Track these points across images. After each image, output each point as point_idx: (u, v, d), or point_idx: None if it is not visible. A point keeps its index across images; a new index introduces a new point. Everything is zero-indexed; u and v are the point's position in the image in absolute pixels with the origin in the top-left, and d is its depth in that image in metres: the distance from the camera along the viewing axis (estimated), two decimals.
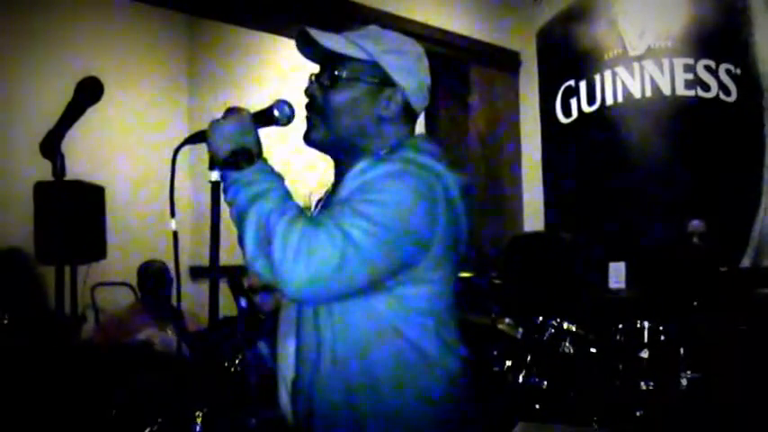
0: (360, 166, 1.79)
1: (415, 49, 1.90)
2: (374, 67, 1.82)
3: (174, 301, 5.12)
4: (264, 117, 1.83)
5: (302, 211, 1.68)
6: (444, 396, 1.77)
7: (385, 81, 1.83)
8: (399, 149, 1.81)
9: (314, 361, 1.76)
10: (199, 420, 3.40)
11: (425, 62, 1.91)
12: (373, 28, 1.91)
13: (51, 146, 1.93)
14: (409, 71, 1.85)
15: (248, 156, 1.73)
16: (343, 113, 1.83)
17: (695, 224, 4.63)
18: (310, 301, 1.71)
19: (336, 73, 1.83)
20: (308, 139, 1.88)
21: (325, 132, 1.86)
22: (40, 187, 3.32)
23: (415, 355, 1.75)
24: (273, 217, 1.63)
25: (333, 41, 1.83)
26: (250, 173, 1.71)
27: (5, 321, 3.63)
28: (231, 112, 1.81)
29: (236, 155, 1.73)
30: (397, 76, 1.83)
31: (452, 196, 1.76)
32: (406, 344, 1.74)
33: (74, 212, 3.36)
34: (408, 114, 1.88)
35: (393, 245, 1.65)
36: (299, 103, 1.90)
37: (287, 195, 1.70)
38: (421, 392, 1.75)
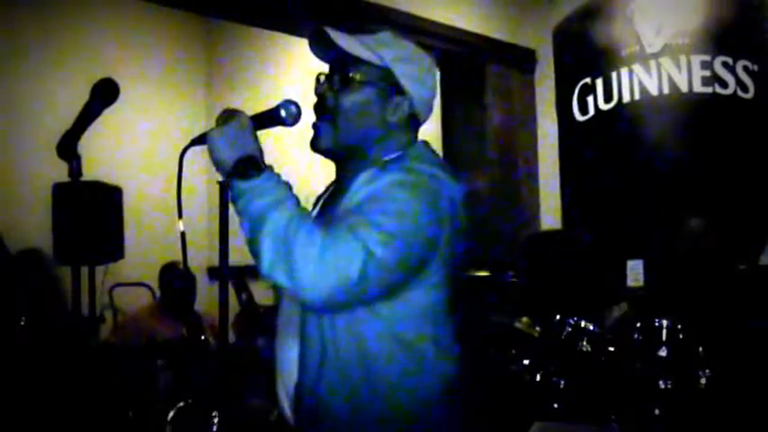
0: (368, 173, 1.81)
1: (425, 59, 1.94)
2: (386, 73, 1.85)
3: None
4: (271, 117, 1.83)
5: (316, 220, 1.71)
6: (441, 399, 1.80)
7: (395, 88, 1.86)
8: (404, 158, 1.85)
9: (318, 365, 1.77)
10: (215, 420, 3.42)
11: (435, 73, 1.96)
12: (387, 34, 1.92)
13: (68, 147, 1.94)
14: (419, 80, 1.88)
15: (254, 163, 1.72)
16: (352, 115, 1.85)
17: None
18: (329, 309, 1.72)
19: (350, 75, 1.84)
20: (315, 146, 1.89)
21: (332, 137, 1.87)
22: (58, 188, 3.34)
23: (413, 357, 1.77)
24: (291, 227, 1.63)
25: (350, 43, 1.84)
26: (260, 181, 1.70)
27: (22, 323, 3.65)
28: (227, 114, 1.80)
29: (242, 163, 1.71)
30: (406, 85, 1.86)
31: (456, 204, 1.80)
32: (405, 347, 1.77)
33: (92, 213, 3.37)
34: (413, 123, 1.92)
35: (408, 255, 1.70)
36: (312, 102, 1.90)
37: (299, 204, 1.71)
38: (419, 396, 1.77)
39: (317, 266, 1.59)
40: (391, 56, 1.85)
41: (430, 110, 1.94)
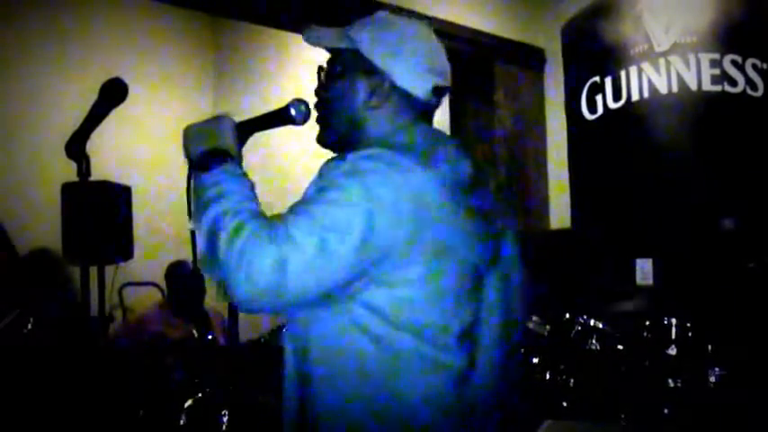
0: (330, 162, 1.67)
1: (410, 28, 1.82)
2: (359, 55, 1.76)
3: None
4: (281, 117, 1.83)
5: (258, 215, 1.58)
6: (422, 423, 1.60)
7: (371, 69, 1.76)
8: (375, 143, 1.69)
9: (285, 368, 1.70)
10: (225, 419, 3.42)
11: (424, 42, 1.82)
12: (378, 15, 1.85)
13: (77, 147, 1.95)
14: (399, 54, 1.75)
15: (219, 157, 1.67)
16: (333, 107, 1.80)
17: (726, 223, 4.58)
18: (261, 311, 1.57)
19: (327, 68, 1.82)
20: (318, 141, 1.84)
21: (326, 130, 1.81)
22: (67, 188, 3.35)
23: (370, 374, 1.60)
24: (223, 220, 1.54)
25: (315, 36, 1.81)
26: (215, 174, 1.64)
27: (29, 326, 3.65)
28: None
29: (206, 156, 1.68)
30: (380, 63, 1.75)
31: (424, 193, 1.59)
32: (358, 359, 1.60)
33: (101, 213, 3.38)
34: (405, 100, 1.77)
35: (339, 246, 1.51)
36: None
37: (247, 199, 1.61)
38: (375, 415, 1.59)
39: (237, 263, 1.48)
40: (368, 36, 1.76)
41: (424, 82, 1.76)
